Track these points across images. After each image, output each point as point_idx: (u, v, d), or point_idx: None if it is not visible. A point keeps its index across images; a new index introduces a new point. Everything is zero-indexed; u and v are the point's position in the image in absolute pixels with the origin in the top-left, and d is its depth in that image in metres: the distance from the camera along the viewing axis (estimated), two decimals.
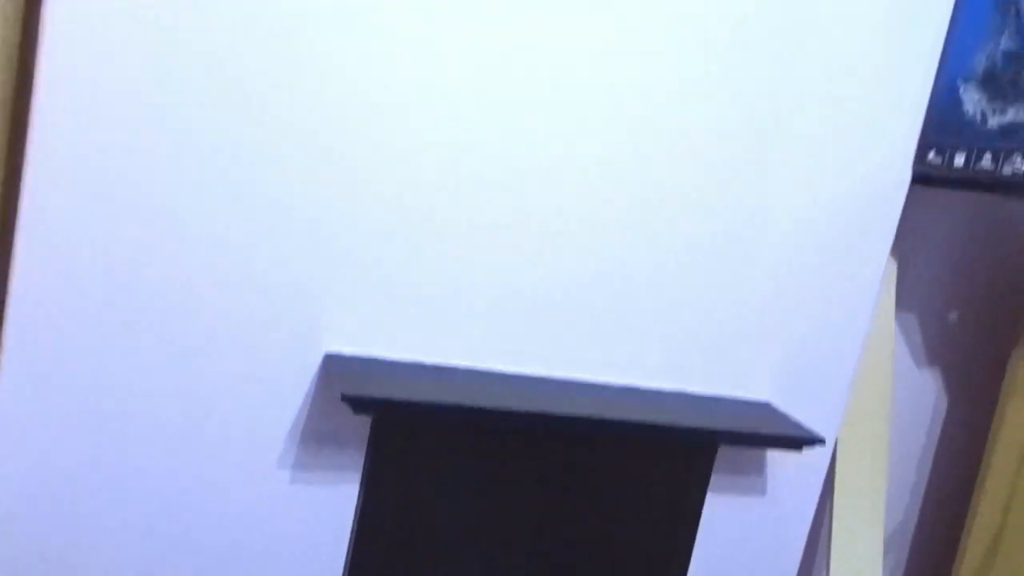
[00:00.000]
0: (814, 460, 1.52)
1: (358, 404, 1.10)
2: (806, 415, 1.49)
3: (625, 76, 1.24)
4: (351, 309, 1.19)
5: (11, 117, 1.06)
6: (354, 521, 1.25)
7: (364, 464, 1.24)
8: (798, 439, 1.35)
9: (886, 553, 1.86)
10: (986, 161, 1.34)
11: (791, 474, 1.51)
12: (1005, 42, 1.31)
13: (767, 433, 1.33)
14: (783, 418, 1.41)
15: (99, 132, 1.03)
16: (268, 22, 1.07)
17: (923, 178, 1.43)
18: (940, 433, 1.82)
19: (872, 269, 1.47)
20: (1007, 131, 1.31)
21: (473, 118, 1.19)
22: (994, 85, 1.33)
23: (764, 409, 1.43)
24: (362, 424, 1.22)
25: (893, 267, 1.61)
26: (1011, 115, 1.31)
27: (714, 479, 1.45)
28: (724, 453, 1.44)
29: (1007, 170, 1.31)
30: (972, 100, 1.35)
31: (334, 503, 1.24)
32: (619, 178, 1.27)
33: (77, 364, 1.08)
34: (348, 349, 1.20)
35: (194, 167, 1.08)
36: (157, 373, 1.11)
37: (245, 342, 1.14)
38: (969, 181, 1.38)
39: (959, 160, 1.37)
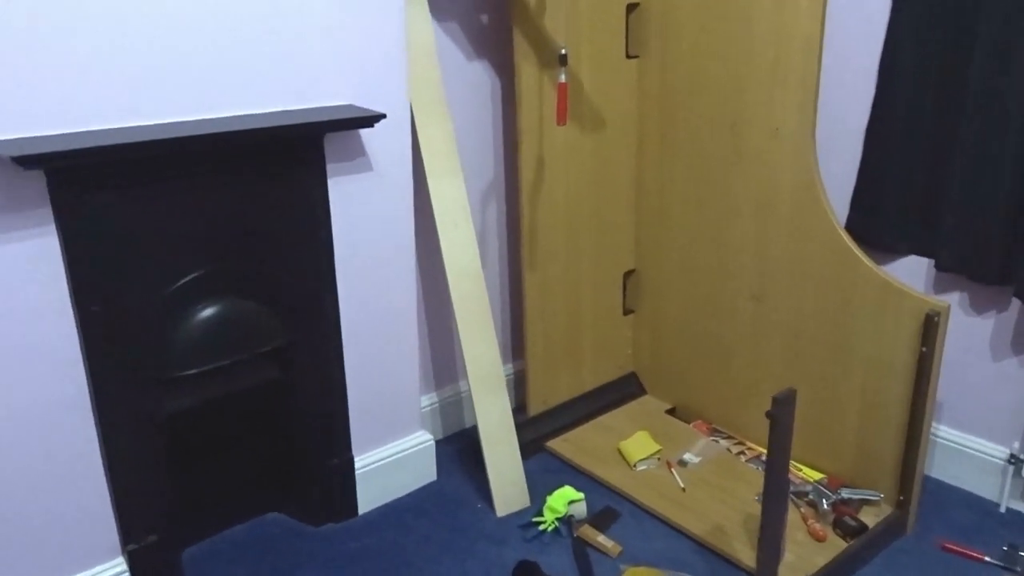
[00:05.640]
0: (398, 137, 2.15)
1: (26, 161, 1.50)
2: (381, 107, 2.09)
3: None
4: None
5: None
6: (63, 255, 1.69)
7: (55, 215, 1.66)
8: (371, 117, 1.95)
9: (490, 199, 2.62)
10: None
11: (387, 152, 2.14)
12: None
13: (349, 117, 1.91)
14: (362, 110, 2.00)
15: None
16: None
17: None
18: (500, 100, 2.55)
19: None
20: None
21: None
22: None
23: (348, 108, 2.01)
24: (39, 182, 1.63)
25: None
26: None
27: (332, 168, 2.04)
28: (332, 147, 2.01)
29: None
30: None
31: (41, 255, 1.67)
32: None
33: None
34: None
35: None
36: None
37: None
38: None
39: None
